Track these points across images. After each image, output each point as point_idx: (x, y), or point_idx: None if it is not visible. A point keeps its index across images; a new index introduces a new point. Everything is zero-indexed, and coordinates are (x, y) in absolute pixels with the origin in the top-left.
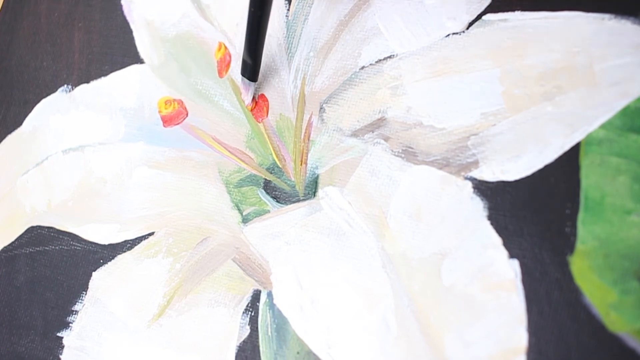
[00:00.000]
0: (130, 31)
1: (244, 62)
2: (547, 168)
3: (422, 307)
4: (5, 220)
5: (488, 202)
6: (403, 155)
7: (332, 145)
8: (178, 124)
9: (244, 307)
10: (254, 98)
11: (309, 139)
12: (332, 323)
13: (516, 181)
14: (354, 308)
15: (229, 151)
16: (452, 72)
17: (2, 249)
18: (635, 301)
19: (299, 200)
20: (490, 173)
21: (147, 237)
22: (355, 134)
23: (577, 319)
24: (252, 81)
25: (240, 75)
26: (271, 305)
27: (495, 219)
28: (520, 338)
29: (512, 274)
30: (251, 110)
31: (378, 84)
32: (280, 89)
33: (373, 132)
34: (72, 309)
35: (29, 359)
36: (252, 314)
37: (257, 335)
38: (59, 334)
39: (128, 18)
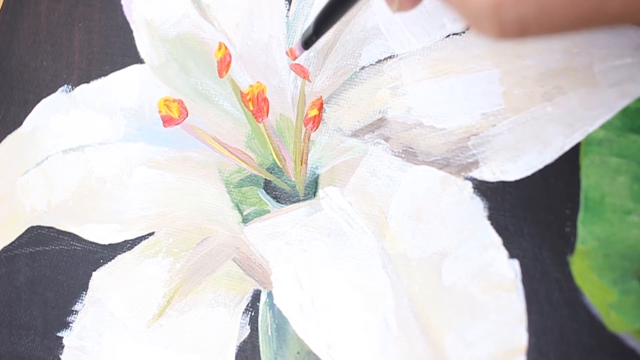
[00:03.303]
0: (131, 31)
1: (307, 30)
2: (547, 168)
3: (423, 307)
4: (5, 220)
5: (488, 202)
6: (403, 156)
7: (332, 146)
8: (178, 124)
9: (244, 307)
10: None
11: (309, 139)
12: (332, 323)
13: (516, 181)
14: (354, 308)
15: (229, 151)
16: (452, 72)
17: (2, 249)
18: (635, 301)
19: (299, 200)
20: (491, 173)
21: (147, 237)
22: (355, 134)
23: (577, 319)
24: (305, 49)
25: (301, 37)
26: (271, 305)
27: (496, 219)
28: (520, 338)
29: (512, 274)
30: (293, 58)
31: (378, 84)
32: (281, 89)
33: (373, 132)
34: (72, 309)
35: (29, 359)
36: (252, 314)
37: (257, 335)
38: (59, 334)
39: (128, 18)
